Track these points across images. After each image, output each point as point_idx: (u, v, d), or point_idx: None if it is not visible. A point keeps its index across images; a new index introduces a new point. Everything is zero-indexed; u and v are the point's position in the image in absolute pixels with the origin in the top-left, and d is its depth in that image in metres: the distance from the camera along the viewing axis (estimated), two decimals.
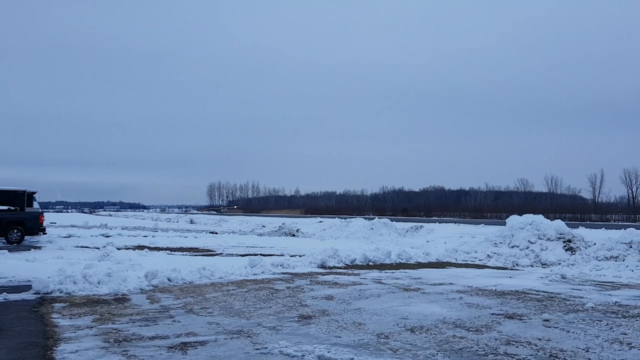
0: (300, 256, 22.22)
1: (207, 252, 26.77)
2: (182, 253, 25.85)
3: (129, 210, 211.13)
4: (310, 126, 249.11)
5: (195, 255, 24.97)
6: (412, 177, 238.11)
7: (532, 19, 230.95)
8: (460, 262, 24.33)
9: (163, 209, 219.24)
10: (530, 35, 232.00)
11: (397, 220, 58.62)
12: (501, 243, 26.44)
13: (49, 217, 47.56)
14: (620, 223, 73.82)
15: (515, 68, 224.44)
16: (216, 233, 49.77)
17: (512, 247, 25.72)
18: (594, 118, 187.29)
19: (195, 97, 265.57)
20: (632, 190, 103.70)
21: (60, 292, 13.02)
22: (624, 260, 20.76)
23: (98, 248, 25.98)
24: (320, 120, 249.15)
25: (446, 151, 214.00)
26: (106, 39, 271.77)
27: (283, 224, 56.89)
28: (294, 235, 48.64)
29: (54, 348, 7.87)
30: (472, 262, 24.28)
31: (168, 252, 26.25)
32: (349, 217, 65.92)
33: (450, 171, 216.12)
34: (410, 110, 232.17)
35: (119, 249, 25.03)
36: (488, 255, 25.21)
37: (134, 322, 9.81)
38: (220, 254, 26.14)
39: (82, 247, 28.11)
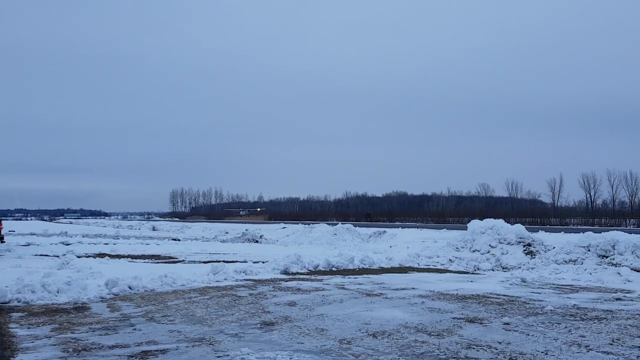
0: (263, 262, 22.14)
1: (169, 260, 26.52)
2: (143, 260, 25.57)
3: (90, 217, 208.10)
4: (273, 132, 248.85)
5: (157, 262, 24.73)
6: (376, 182, 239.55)
7: (495, 26, 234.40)
8: (422, 266, 24.52)
9: (125, 216, 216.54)
10: (491, 41, 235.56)
11: (360, 226, 58.86)
12: (463, 247, 26.70)
13: (7, 225, 46.59)
14: (579, 227, 75.16)
15: (475, 74, 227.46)
16: (179, 240, 49.36)
17: (474, 251, 25.99)
18: (553, 123, 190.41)
19: (158, 103, 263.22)
20: (590, 194, 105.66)
21: (18, 302, 12.77)
22: (582, 263, 21.12)
23: (58, 256, 25.54)
24: (284, 125, 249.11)
25: (409, 156, 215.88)
26: (65, 44, 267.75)
27: (246, 230, 56.71)
28: (257, 241, 48.52)
29: (11, 358, 7.71)
30: (434, 267, 24.48)
31: (129, 259, 25.97)
32: (313, 223, 65.97)
33: (413, 176, 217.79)
34: (373, 116, 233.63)
35: (79, 257, 24.67)
36: (450, 260, 25.44)
37: (93, 331, 9.66)
38: (183, 261, 25.93)
39: (41, 255, 27.60)
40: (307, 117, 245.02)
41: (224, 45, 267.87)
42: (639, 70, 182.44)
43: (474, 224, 28.02)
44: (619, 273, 19.33)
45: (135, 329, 9.88)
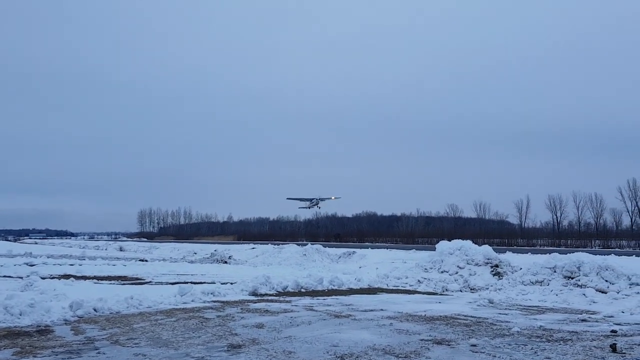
0: (231, 283, 21.98)
1: (136, 281, 26.19)
2: (109, 282, 25.21)
3: (55, 237, 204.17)
4: (243, 151, 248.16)
5: (124, 284, 24.40)
6: (346, 202, 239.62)
7: (463, 47, 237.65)
8: (391, 287, 24.56)
9: (92, 237, 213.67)
10: (459, 63, 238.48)
11: (330, 246, 58.82)
12: (431, 268, 26.81)
13: None
14: (545, 248, 76.13)
15: (444, 96, 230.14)
16: (146, 261, 48.77)
17: (442, 272, 26.11)
18: (520, 145, 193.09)
19: (127, 122, 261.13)
20: (556, 215, 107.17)
21: None
22: (548, 284, 21.34)
23: (21, 278, 25.06)
24: (254, 145, 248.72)
25: (379, 177, 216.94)
26: (30, 60, 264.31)
27: (215, 250, 56.39)
28: (226, 262, 48.19)
29: None
30: (403, 288, 24.52)
31: (95, 281, 25.59)
32: (282, 244, 65.77)
33: (383, 197, 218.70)
34: (344, 136, 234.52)
35: (43, 278, 24.23)
36: (418, 281, 25.52)
37: (56, 355, 9.47)
38: (150, 282, 25.62)
39: (4, 276, 27.04)
40: (278, 137, 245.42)
41: (194, 64, 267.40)
42: (604, 96, 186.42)
43: (443, 245, 28.18)
44: (584, 294, 19.56)
45: (99, 353, 9.71)
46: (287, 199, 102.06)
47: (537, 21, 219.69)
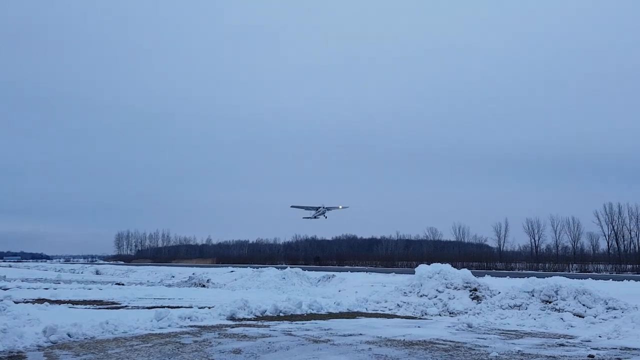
0: (209, 308, 21.76)
1: (112, 305, 25.85)
2: (85, 306, 24.85)
3: (30, 260, 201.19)
4: (222, 174, 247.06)
5: (99, 308, 24.07)
6: (325, 225, 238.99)
7: (440, 74, 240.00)
8: (370, 311, 24.46)
9: (67, 260, 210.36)
10: (437, 89, 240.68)
11: (309, 270, 58.62)
12: (410, 292, 26.75)
13: None
14: (523, 271, 76.47)
15: (423, 121, 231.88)
16: (123, 284, 48.23)
17: (421, 296, 26.06)
18: (499, 169, 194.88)
19: (105, 144, 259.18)
20: (534, 239, 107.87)
21: None
22: (526, 308, 21.38)
23: None
24: (233, 167, 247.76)
25: (358, 200, 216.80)
26: (5, 83, 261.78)
27: (193, 274, 55.85)
28: (204, 285, 47.75)
29: None
30: (382, 312, 24.45)
31: (70, 305, 25.20)
32: (261, 267, 65.46)
33: (363, 220, 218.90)
34: (323, 159, 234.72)
35: (16, 302, 23.80)
36: (398, 305, 25.45)
37: None
38: (126, 306, 25.30)
39: None
40: (257, 159, 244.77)
41: (172, 88, 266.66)
42: (581, 120, 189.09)
43: (422, 269, 28.15)
44: (562, 318, 19.63)
45: None
46: (291, 207, 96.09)
47: (509, 50, 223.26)
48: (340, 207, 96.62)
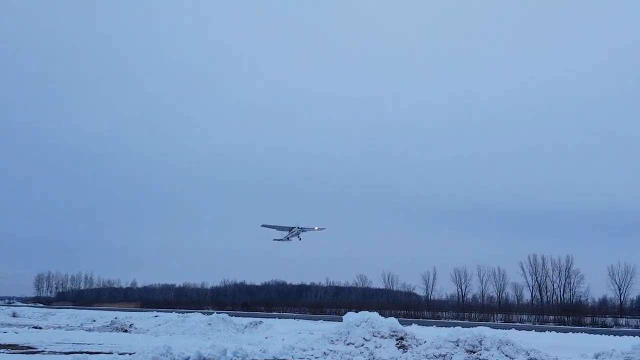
0: (130, 354, 21.06)
1: (27, 350, 24.73)
2: None
3: None
4: (148, 215, 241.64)
5: (13, 353, 22.98)
6: (255, 270, 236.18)
7: (365, 122, 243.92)
8: (297, 359, 24.15)
9: None
10: (364, 138, 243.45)
11: (237, 315, 57.72)
12: (337, 340, 26.59)
13: None
14: (450, 320, 77.44)
15: (354, 167, 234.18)
16: (40, 328, 46.28)
17: (348, 344, 25.94)
18: (428, 218, 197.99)
19: (26, 181, 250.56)
20: (461, 288, 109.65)
21: None
22: (451, 358, 21.52)
23: None
24: (159, 209, 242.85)
25: (288, 245, 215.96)
26: None
27: (115, 318, 54.19)
28: (126, 330, 46.32)
29: None
30: None
31: None
32: (187, 312, 64.03)
33: (292, 265, 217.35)
34: (249, 202, 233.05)
35: None
36: (324, 353, 25.21)
37: None
38: (42, 351, 24.26)
39: None
40: (184, 201, 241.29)
41: (101, 128, 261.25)
42: (508, 174, 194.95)
43: (350, 317, 28.09)
44: None
45: None
46: (262, 226, 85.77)
47: (438, 99, 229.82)
48: (316, 228, 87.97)
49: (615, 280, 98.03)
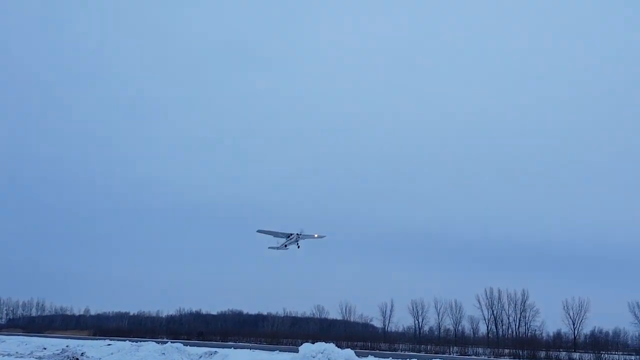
0: None
1: None
2: None
3: None
4: (101, 242, 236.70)
5: None
6: (211, 299, 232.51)
7: (312, 152, 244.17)
8: None
9: None
10: (315, 168, 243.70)
11: (192, 345, 56.82)
12: None
13: None
14: (406, 353, 77.31)
15: (310, 196, 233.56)
16: None
17: None
18: (386, 249, 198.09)
19: None
20: (418, 320, 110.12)
21: None
22: None
23: None
24: (111, 236, 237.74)
25: (245, 274, 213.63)
26: None
27: (67, 346, 52.88)
28: (77, 359, 45.22)
29: None
30: None
31: None
32: (141, 341, 62.82)
33: (250, 295, 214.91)
34: (207, 231, 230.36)
35: None
36: None
37: None
38: None
39: None
40: (138, 229, 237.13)
41: (60, 155, 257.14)
42: (466, 204, 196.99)
43: (306, 348, 27.95)
44: None
45: None
46: (258, 231, 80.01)
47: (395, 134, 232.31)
48: (316, 235, 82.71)
49: (569, 314, 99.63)
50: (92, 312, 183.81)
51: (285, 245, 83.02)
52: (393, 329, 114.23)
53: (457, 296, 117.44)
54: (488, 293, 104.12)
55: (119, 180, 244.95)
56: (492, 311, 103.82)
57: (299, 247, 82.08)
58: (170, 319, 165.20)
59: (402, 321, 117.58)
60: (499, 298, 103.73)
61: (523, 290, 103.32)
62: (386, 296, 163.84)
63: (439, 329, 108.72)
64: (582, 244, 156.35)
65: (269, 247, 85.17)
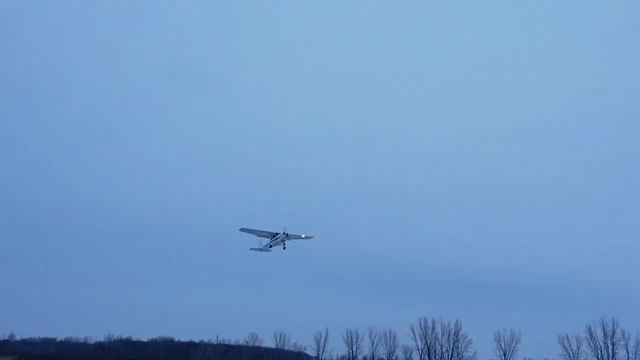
0: None
1: None
2: None
3: None
4: (27, 265, 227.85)
5: None
6: (141, 324, 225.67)
7: (277, 171, 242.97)
8: None
9: None
10: (277, 189, 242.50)
11: None
12: None
13: None
14: None
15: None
16: None
17: None
18: (322, 277, 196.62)
19: None
20: (352, 349, 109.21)
21: None
22: None
23: None
24: (38, 259, 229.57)
25: (177, 300, 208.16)
26: None
27: None
28: None
29: None
30: None
31: None
32: None
33: (182, 321, 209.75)
34: (141, 255, 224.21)
35: None
36: None
37: None
38: None
39: None
40: (67, 251, 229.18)
41: None
42: (400, 234, 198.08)
43: None
44: None
45: None
46: (241, 229, 75.34)
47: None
48: (304, 236, 79.84)
49: (500, 345, 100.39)
50: (17, 337, 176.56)
51: (270, 246, 79.97)
52: (327, 358, 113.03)
53: (391, 326, 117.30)
54: (422, 323, 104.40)
55: (47, 201, 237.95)
56: (426, 341, 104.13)
57: (284, 248, 79.39)
58: (99, 345, 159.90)
59: (336, 350, 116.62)
60: (433, 328, 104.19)
61: (457, 321, 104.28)
62: (321, 325, 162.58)
63: (373, 358, 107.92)
64: (515, 275, 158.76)
65: (250, 249, 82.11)
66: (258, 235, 79.21)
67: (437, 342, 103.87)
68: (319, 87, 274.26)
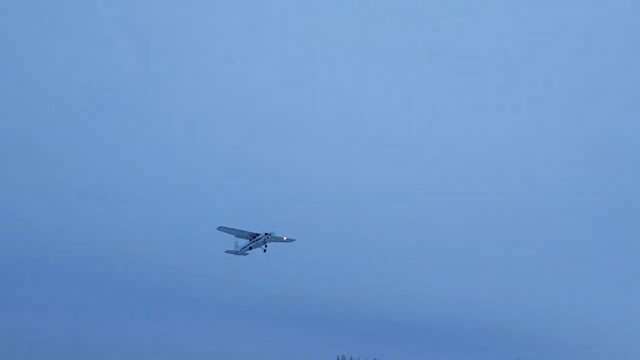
0: None
1: None
2: None
3: None
4: None
5: None
6: None
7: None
8: None
9: None
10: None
11: None
12: None
13: None
14: None
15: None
16: None
17: None
18: (236, 315, 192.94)
19: None
20: None
21: None
22: None
23: None
24: None
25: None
26: None
27: None
28: None
29: None
30: None
31: None
32: None
33: None
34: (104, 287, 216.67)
35: None
36: None
37: None
38: None
39: None
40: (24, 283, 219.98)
41: None
42: (319, 269, 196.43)
43: None
44: None
45: None
46: (219, 228, 69.51)
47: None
48: (285, 238, 73.58)
49: None
50: None
51: (250, 248, 74.64)
52: None
53: None
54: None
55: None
56: None
57: (265, 250, 73.95)
58: None
59: None
60: None
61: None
62: None
63: None
64: (435, 316, 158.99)
65: (226, 251, 77.43)
66: (237, 236, 74.39)
67: None
68: None
